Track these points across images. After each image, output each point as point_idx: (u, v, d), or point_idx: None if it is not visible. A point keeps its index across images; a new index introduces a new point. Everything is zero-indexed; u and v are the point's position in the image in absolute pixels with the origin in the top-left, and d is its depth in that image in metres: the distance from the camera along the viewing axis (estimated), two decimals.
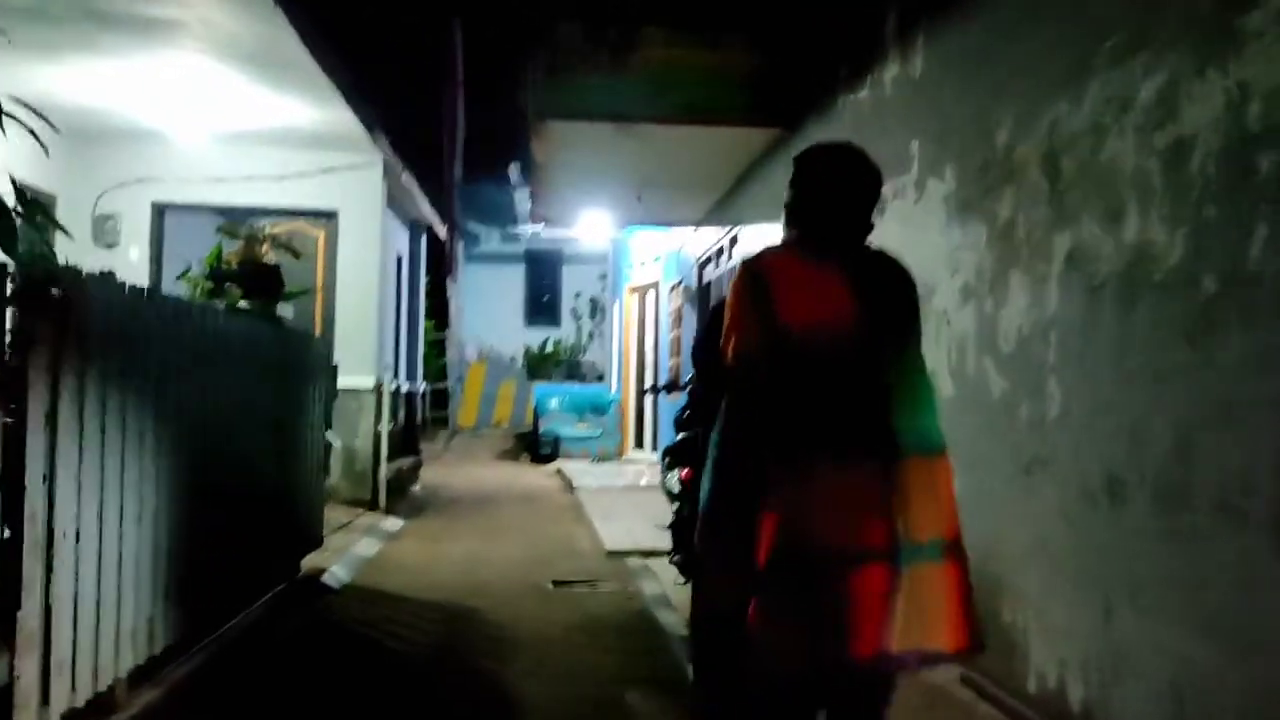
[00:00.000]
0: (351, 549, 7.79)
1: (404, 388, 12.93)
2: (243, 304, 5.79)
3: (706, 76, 7.55)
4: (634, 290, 16.73)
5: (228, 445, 5.09)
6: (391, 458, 11.60)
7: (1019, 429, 4.09)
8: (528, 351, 21.62)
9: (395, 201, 11.63)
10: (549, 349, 21.65)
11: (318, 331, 9.89)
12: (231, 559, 5.11)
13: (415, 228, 13.38)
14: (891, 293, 2.69)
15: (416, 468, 13.15)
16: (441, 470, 15.32)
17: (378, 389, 9.91)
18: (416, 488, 12.56)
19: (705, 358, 3.78)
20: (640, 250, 16.12)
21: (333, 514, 9.11)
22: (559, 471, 14.70)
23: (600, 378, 21.43)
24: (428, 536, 8.86)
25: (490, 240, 22.07)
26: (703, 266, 12.12)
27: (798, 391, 2.53)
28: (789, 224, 2.78)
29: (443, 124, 19.85)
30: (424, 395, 13.96)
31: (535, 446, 17.21)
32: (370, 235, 9.95)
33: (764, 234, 9.10)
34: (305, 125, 8.90)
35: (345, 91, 8.14)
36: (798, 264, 2.67)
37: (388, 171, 10.11)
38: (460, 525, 9.62)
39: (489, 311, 21.58)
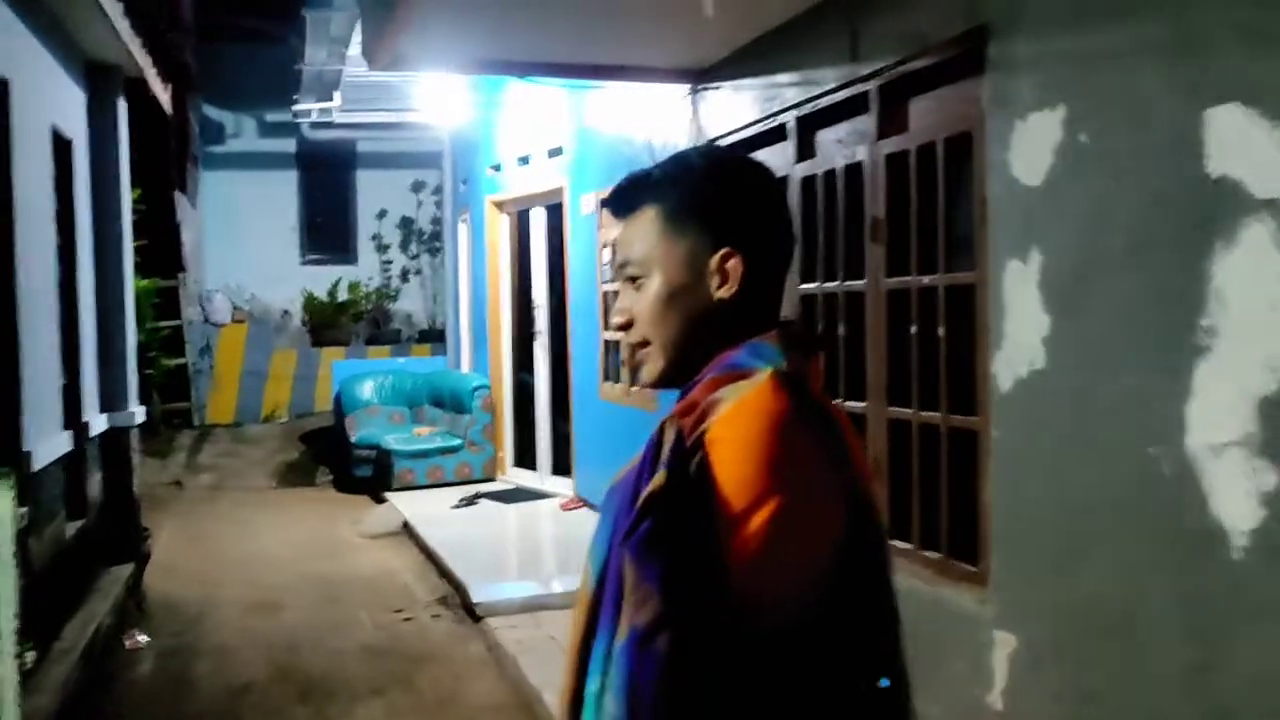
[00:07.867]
0: None
1: (94, 427, 6.00)
2: None
3: None
4: (502, 206, 10.14)
5: None
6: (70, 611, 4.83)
7: None
8: (309, 300, 14.49)
9: None
10: (341, 296, 14.62)
11: None
12: None
13: (101, 81, 6.30)
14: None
15: (134, 584, 6.33)
16: (179, 544, 8.21)
17: None
18: (138, 642, 5.74)
19: (685, 585, 1.15)
20: (516, 137, 9.52)
21: None
22: (408, 530, 8.17)
23: (423, 336, 14.68)
24: None
25: (243, 133, 14.60)
26: None
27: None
28: (732, 311, 1.34)
29: None
30: (138, 430, 6.98)
31: (344, 464, 10.54)
32: None
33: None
34: None
35: None
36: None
37: None
38: None
39: (246, 243, 14.20)
